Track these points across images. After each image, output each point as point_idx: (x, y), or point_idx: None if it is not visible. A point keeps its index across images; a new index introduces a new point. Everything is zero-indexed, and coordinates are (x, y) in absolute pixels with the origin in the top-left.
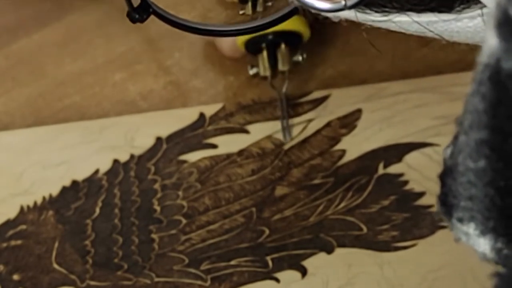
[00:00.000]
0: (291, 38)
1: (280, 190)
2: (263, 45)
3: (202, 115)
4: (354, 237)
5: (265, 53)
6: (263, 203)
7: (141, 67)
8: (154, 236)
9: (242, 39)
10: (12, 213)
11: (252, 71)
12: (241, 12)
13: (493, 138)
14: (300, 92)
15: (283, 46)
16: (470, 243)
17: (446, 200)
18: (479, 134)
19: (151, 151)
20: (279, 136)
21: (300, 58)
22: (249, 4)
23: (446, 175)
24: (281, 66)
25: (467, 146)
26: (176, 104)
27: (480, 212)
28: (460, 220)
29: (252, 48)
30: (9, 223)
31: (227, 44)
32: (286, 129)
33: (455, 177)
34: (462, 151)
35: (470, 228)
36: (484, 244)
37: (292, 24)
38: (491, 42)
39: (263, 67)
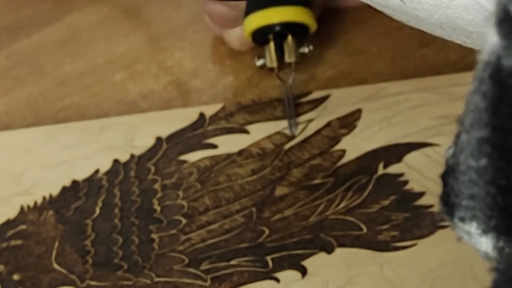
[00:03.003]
0: (298, 30)
1: (280, 190)
2: (270, 36)
3: (202, 115)
4: (354, 237)
5: (272, 44)
6: (263, 203)
7: (141, 67)
8: (154, 236)
9: (249, 30)
10: (12, 213)
11: (259, 62)
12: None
13: (494, 136)
14: (300, 92)
15: (289, 37)
16: (472, 242)
17: (448, 200)
18: (480, 132)
19: (151, 151)
20: (279, 136)
21: (306, 50)
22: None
23: (448, 174)
24: (288, 58)
25: (468, 145)
26: (176, 104)
27: (481, 211)
28: (462, 219)
29: (259, 39)
30: (9, 223)
31: (235, 36)
32: (293, 122)
33: (456, 176)
34: (464, 150)
35: (472, 227)
36: (486, 243)
37: (299, 16)
38: (491, 39)
39: (269, 58)
